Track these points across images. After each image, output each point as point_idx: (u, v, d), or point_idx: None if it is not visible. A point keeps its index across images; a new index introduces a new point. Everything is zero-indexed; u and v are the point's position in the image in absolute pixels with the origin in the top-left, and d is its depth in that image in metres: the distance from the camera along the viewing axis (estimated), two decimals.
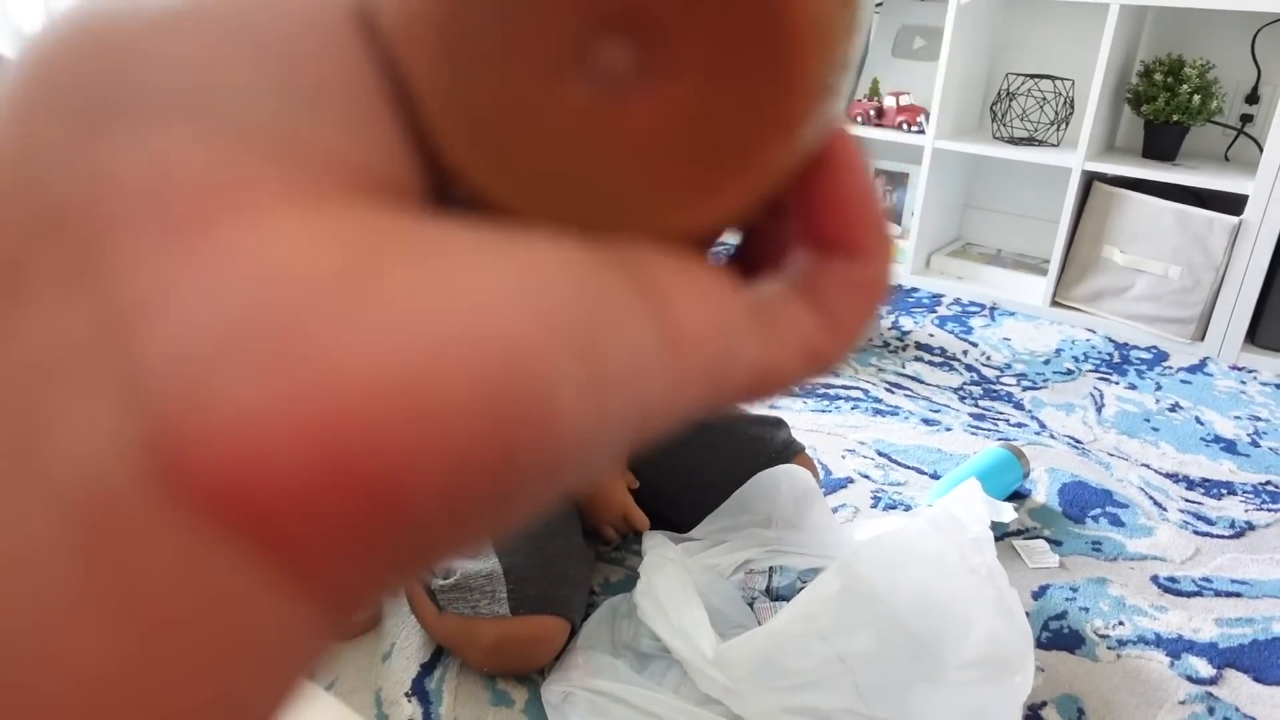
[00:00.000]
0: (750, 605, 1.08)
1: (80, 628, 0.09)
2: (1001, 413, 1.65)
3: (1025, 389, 1.75)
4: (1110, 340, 2.01)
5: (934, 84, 2.12)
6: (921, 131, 2.18)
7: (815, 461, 1.28)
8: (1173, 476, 1.45)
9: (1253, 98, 2.03)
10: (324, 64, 0.11)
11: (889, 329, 2.01)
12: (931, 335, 1.99)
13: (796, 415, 1.57)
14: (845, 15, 0.12)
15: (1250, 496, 1.40)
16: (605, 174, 0.12)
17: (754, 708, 0.88)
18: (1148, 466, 1.47)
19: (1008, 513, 1.17)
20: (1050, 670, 1.02)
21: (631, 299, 0.11)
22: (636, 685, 0.93)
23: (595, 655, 0.98)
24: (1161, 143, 2.02)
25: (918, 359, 1.87)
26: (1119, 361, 1.90)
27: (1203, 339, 1.94)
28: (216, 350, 0.09)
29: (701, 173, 0.12)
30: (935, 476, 1.40)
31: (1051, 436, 1.56)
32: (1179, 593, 1.16)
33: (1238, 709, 0.98)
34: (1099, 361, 1.90)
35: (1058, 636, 1.08)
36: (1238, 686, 1.01)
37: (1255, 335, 1.91)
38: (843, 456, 1.45)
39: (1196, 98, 1.92)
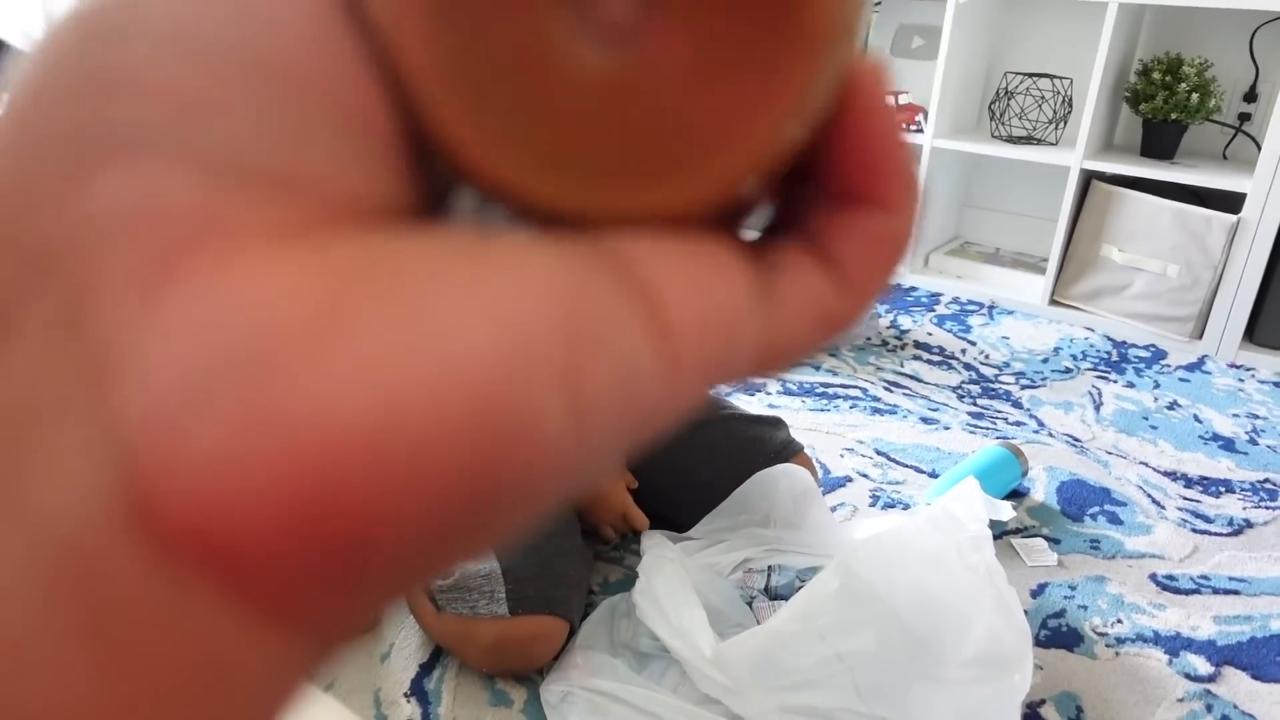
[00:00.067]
0: (749, 604, 1.08)
1: (60, 671, 0.09)
2: (1000, 411, 1.65)
3: (1024, 387, 1.75)
4: (1109, 339, 2.01)
5: (932, 83, 2.12)
6: (920, 130, 2.18)
7: (814, 460, 1.28)
8: (1171, 475, 1.45)
9: (1251, 96, 2.03)
10: (313, 76, 0.10)
11: (887, 328, 2.01)
12: (930, 334, 1.99)
13: (795, 414, 1.57)
14: None
15: (1248, 494, 1.40)
16: (613, 134, 0.11)
17: (753, 707, 0.88)
18: (1146, 465, 1.47)
19: (1006, 511, 1.17)
20: (1049, 668, 1.02)
21: (621, 306, 0.11)
22: (635, 685, 0.93)
23: (594, 655, 0.98)
24: (1160, 141, 2.02)
25: (916, 358, 1.87)
26: (1117, 360, 1.90)
27: (1201, 337, 1.94)
28: (187, 397, 0.09)
29: (712, 125, 0.11)
30: (934, 475, 1.40)
31: (1050, 435, 1.56)
32: (1177, 590, 1.17)
33: (1236, 706, 0.98)
34: (1097, 360, 1.90)
35: (1056, 634, 1.08)
36: (1236, 684, 1.01)
37: (1253, 333, 1.91)
38: (841, 455, 1.46)
39: (1195, 96, 1.92)
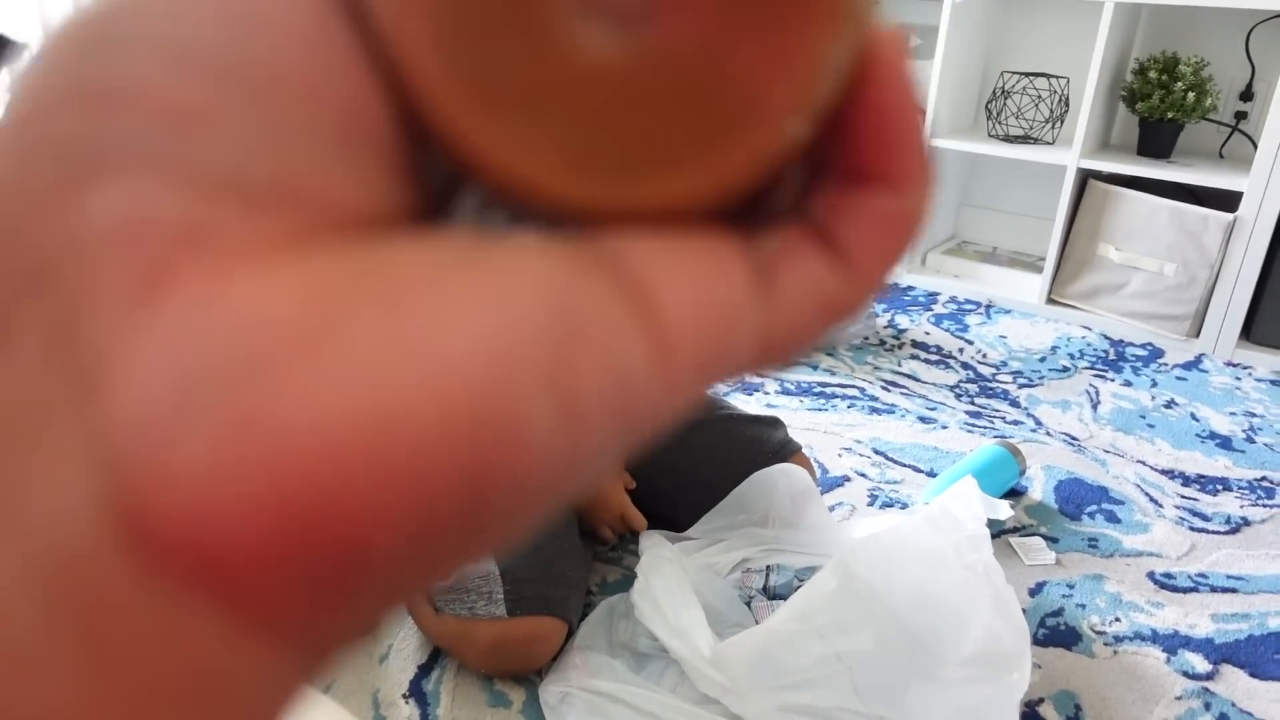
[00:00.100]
0: (747, 604, 1.08)
1: (53, 678, 0.09)
2: (997, 410, 1.65)
3: (1021, 386, 1.76)
4: (1106, 337, 2.01)
5: (929, 82, 2.12)
6: None
7: (812, 460, 1.28)
8: (1168, 473, 1.45)
9: (1247, 95, 2.04)
10: (309, 81, 0.10)
11: (885, 327, 2.02)
12: (927, 333, 1.99)
13: (792, 414, 1.57)
14: None
15: (1245, 492, 1.40)
16: (625, 121, 0.11)
17: (752, 707, 0.88)
18: (1143, 463, 1.48)
19: (1004, 510, 1.17)
20: (1047, 667, 1.02)
21: (614, 305, 0.11)
22: (634, 685, 0.93)
23: (593, 655, 0.98)
24: (1156, 140, 2.02)
25: (914, 357, 1.87)
26: (1115, 359, 1.91)
27: (1198, 336, 1.94)
28: (173, 411, 0.09)
29: (726, 109, 0.11)
30: (932, 474, 1.40)
31: (1047, 434, 1.56)
32: (1175, 589, 1.17)
33: (1234, 704, 0.98)
34: (1095, 359, 1.90)
35: (1054, 633, 1.08)
36: (1234, 682, 1.02)
37: (1250, 331, 1.91)
38: (839, 455, 1.46)
39: (1191, 95, 1.92)
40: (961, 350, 1.92)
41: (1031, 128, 2.13)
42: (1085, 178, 2.06)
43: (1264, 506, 1.36)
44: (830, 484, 1.37)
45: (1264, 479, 1.44)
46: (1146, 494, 1.38)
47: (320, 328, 0.09)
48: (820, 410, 1.61)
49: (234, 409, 0.09)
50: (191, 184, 0.10)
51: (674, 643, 0.94)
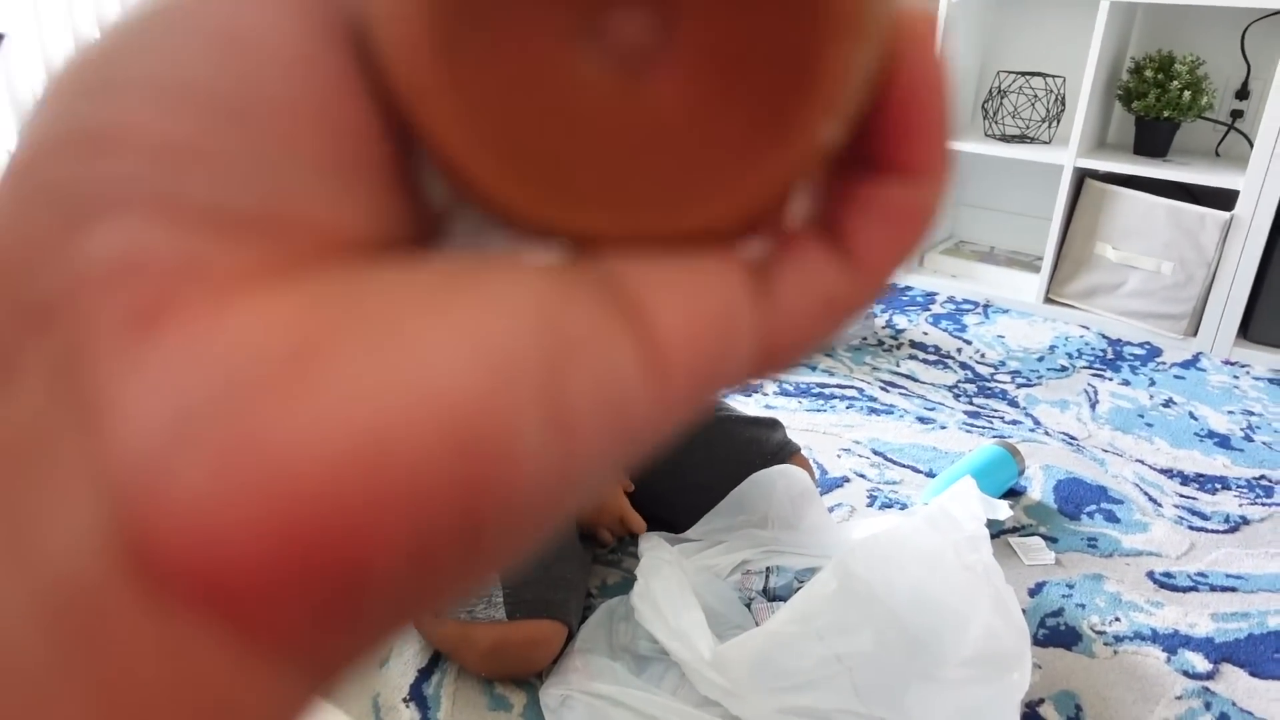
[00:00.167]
0: (747, 606, 1.08)
1: (64, 709, 0.09)
2: (996, 410, 1.65)
3: (1019, 386, 1.76)
4: (1104, 336, 2.01)
5: None
6: None
7: (811, 461, 1.28)
8: (1167, 472, 1.45)
9: (1243, 93, 2.04)
10: (301, 111, 0.10)
11: (883, 328, 2.02)
12: (925, 333, 2.00)
13: (791, 415, 1.57)
14: None
15: (1244, 491, 1.40)
16: (628, 160, 0.11)
17: (752, 709, 0.88)
18: (1142, 462, 1.48)
19: (1003, 510, 1.18)
20: (1047, 667, 1.02)
21: (606, 322, 0.11)
22: (635, 688, 0.93)
23: (593, 658, 0.98)
24: (1153, 139, 2.02)
25: (912, 357, 1.87)
26: (1112, 358, 1.91)
27: (1195, 334, 1.94)
28: (172, 441, 0.09)
29: (730, 153, 0.11)
30: (930, 475, 1.40)
31: (1046, 433, 1.56)
32: (1175, 588, 1.17)
33: (1234, 703, 0.98)
34: (1093, 358, 1.90)
35: (1054, 633, 1.08)
36: (1234, 681, 1.02)
37: (1248, 330, 1.91)
38: (838, 456, 1.46)
39: (1187, 94, 1.92)
40: (960, 350, 1.92)
41: (1028, 127, 2.13)
42: (1082, 177, 2.06)
43: (1263, 505, 1.37)
44: (829, 485, 1.37)
45: (1262, 477, 1.44)
46: (1145, 493, 1.38)
47: (313, 352, 0.09)
48: (819, 411, 1.61)
49: (231, 436, 0.09)
50: (183, 218, 0.10)
51: (674, 645, 0.93)
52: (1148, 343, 1.98)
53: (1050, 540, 1.25)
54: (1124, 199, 1.99)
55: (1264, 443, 1.56)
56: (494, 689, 0.98)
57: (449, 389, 0.10)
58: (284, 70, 0.10)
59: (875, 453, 1.47)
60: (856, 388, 1.71)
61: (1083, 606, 1.12)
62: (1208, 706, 0.98)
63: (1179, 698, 0.99)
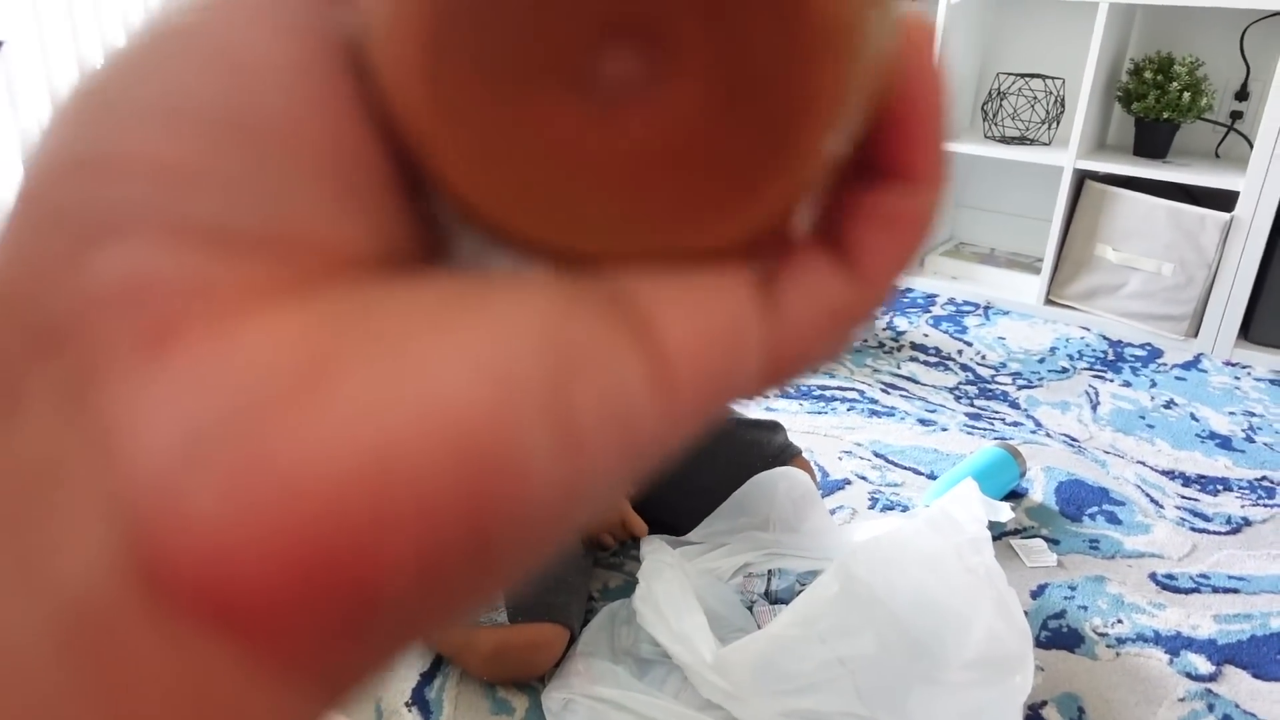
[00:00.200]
0: (749, 609, 1.08)
1: None
2: (997, 412, 1.65)
3: (1020, 388, 1.76)
4: (1104, 338, 2.01)
5: None
6: None
7: (812, 463, 1.28)
8: (1169, 473, 1.45)
9: (1242, 94, 2.04)
10: (303, 132, 0.11)
11: (884, 330, 2.02)
12: (926, 335, 2.00)
13: (793, 417, 1.57)
14: (879, 8, 0.10)
15: (1246, 492, 1.40)
16: (616, 191, 0.11)
17: (754, 712, 0.88)
18: (1144, 464, 1.48)
19: (1005, 512, 1.18)
20: (1050, 669, 1.02)
21: (613, 336, 0.11)
22: (637, 691, 0.93)
23: (595, 662, 0.98)
24: (1152, 140, 2.02)
25: (913, 359, 1.87)
26: (1113, 359, 1.91)
27: (1196, 335, 1.94)
28: (185, 458, 0.09)
29: (722, 186, 0.11)
30: (932, 477, 1.40)
31: (1047, 435, 1.56)
32: (1177, 590, 1.17)
33: (1237, 705, 0.98)
34: (1093, 359, 1.90)
35: (1057, 635, 1.08)
36: (1237, 683, 1.02)
37: (1248, 331, 1.91)
38: (839, 458, 1.46)
39: (1186, 95, 1.93)
40: (960, 352, 1.92)
41: (1027, 129, 2.14)
42: (1082, 178, 2.06)
43: (1264, 506, 1.37)
44: (831, 487, 1.37)
45: (1264, 479, 1.44)
46: (1147, 495, 1.38)
47: (320, 371, 0.10)
48: (820, 413, 1.61)
49: (241, 456, 0.09)
50: (189, 239, 0.10)
51: (676, 648, 0.93)
52: (1149, 344, 1.98)
53: (1052, 542, 1.25)
54: (1124, 200, 1.99)
55: (1265, 444, 1.56)
56: (496, 693, 0.98)
57: (455, 406, 0.10)
58: (285, 92, 0.11)
59: (876, 455, 1.47)
60: (857, 390, 1.71)
61: (1085, 608, 1.12)
62: (1210, 708, 0.98)
63: (1182, 700, 0.99)
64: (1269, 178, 1.79)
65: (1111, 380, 1.80)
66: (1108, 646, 1.06)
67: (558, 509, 0.10)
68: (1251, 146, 1.84)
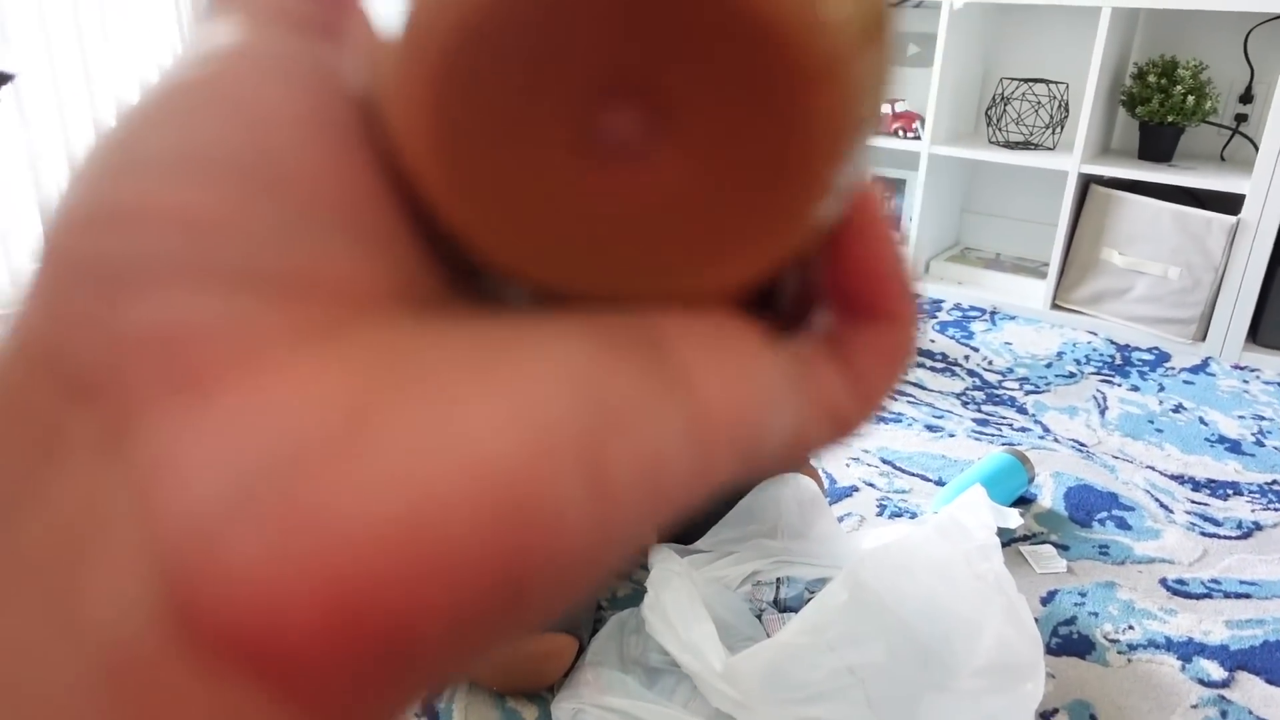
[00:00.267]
0: (758, 617, 1.07)
1: None
2: (1005, 417, 1.64)
3: (1028, 393, 1.75)
4: (1112, 342, 2.01)
5: (928, 90, 2.13)
6: (917, 138, 2.19)
7: (819, 470, 1.28)
8: (1178, 478, 1.44)
9: (1246, 97, 2.04)
10: (328, 182, 0.11)
11: None
12: (932, 341, 1.99)
13: None
14: (869, 79, 0.11)
15: (1256, 496, 1.40)
16: (620, 241, 0.12)
17: None
18: (1153, 468, 1.47)
19: (1014, 518, 1.17)
20: (1061, 676, 1.02)
21: (652, 389, 0.11)
22: (647, 701, 0.93)
23: (604, 671, 0.98)
24: (1157, 144, 2.02)
25: (919, 365, 1.87)
26: (1121, 363, 1.90)
27: (1204, 339, 1.94)
28: (223, 508, 0.09)
29: (718, 238, 0.12)
30: (940, 483, 1.40)
31: (1055, 440, 1.55)
32: (1188, 595, 1.16)
33: (1250, 712, 0.97)
34: (1101, 364, 1.90)
35: (1067, 642, 1.07)
36: (1250, 689, 1.01)
37: (1257, 334, 1.91)
38: (847, 465, 1.45)
39: (1191, 98, 1.92)
40: (967, 358, 1.91)
41: (1032, 133, 2.13)
42: (1087, 183, 2.06)
43: (1275, 510, 1.36)
44: (838, 494, 1.37)
45: (1275, 482, 1.44)
46: (1157, 499, 1.38)
47: (359, 421, 0.10)
48: None
49: (280, 506, 0.09)
50: (218, 285, 0.10)
51: (685, 657, 0.93)
52: (1156, 348, 1.97)
53: (1062, 548, 1.25)
54: (1129, 204, 1.99)
55: (1275, 447, 1.55)
56: (506, 703, 0.98)
57: (493, 458, 0.10)
58: (301, 143, 0.11)
59: (884, 461, 1.47)
60: None
61: (1096, 615, 1.12)
62: (1224, 715, 0.97)
63: (1195, 706, 0.98)
64: (1275, 180, 1.79)
65: (1119, 385, 1.80)
66: (1119, 653, 1.06)
67: (589, 556, 0.11)
68: (1257, 149, 1.84)
